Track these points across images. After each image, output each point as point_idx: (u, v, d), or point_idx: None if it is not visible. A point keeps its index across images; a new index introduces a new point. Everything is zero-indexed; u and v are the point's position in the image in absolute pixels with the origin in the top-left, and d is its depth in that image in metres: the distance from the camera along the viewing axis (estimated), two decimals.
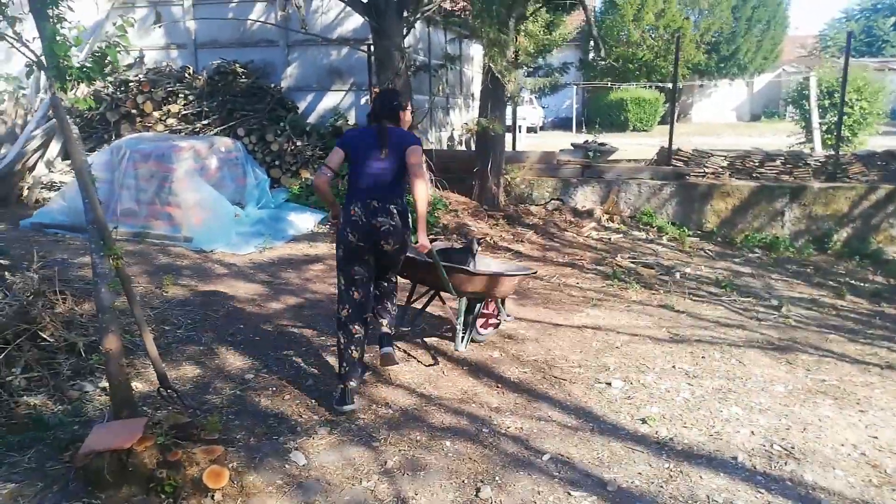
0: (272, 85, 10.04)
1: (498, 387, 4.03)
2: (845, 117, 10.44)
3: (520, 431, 3.48)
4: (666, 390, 4.05)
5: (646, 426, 3.58)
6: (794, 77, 22.53)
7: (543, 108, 25.31)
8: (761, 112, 29.79)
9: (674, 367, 4.42)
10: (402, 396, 3.84)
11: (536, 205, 8.87)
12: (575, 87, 23.64)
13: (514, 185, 8.98)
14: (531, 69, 9.14)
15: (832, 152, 9.21)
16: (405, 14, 8.14)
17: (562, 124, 26.59)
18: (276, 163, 8.97)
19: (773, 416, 3.73)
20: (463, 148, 12.18)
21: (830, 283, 6.89)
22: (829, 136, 13.36)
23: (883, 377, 4.43)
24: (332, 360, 4.19)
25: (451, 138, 12.80)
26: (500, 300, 4.55)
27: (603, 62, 25.35)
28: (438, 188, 8.44)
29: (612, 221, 8.54)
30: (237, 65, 9.94)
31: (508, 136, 10.53)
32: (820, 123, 13.92)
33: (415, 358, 4.40)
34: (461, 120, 13.62)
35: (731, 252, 7.89)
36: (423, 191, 3.58)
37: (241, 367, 4.12)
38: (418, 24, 10.78)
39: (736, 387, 4.13)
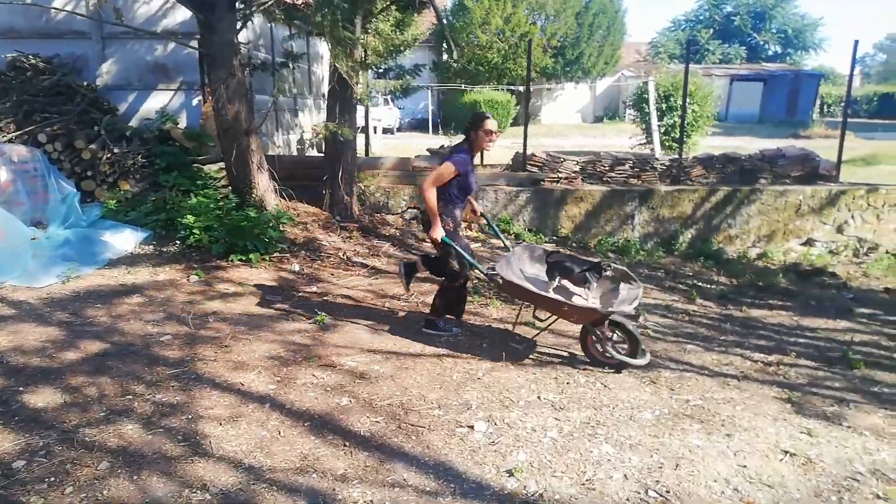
0: (84, 83, 8.69)
1: (345, 445, 3.44)
2: (680, 120, 10.93)
3: None
4: (532, 429, 3.67)
5: (513, 480, 3.17)
6: (633, 81, 23.95)
7: (400, 108, 24.99)
8: (603, 114, 31.50)
9: (539, 397, 4.07)
10: (224, 473, 3.13)
11: (393, 214, 8.36)
12: (430, 88, 23.48)
13: (368, 194, 8.40)
14: (382, 70, 8.62)
15: (672, 154, 9.54)
16: (238, 6, 7.30)
17: (419, 125, 26.42)
18: (89, 173, 7.71)
19: (644, 453, 3.47)
20: (315, 153, 11.39)
21: (681, 286, 7.00)
22: (667, 137, 14.13)
23: (741, 390, 4.37)
24: (139, 432, 3.39)
25: (301, 142, 11.97)
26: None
27: (456, 64, 25.51)
28: (284, 198, 7.66)
29: (471, 230, 8.23)
30: (38, 59, 8.50)
31: (362, 140, 9.96)
32: (658, 125, 14.70)
33: (244, 416, 3.70)
34: (312, 122, 12.81)
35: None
36: (422, 192, 4.66)
37: (8, 453, 3.20)
38: (258, 19, 9.87)
39: (604, 417, 3.85)
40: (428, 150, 9.28)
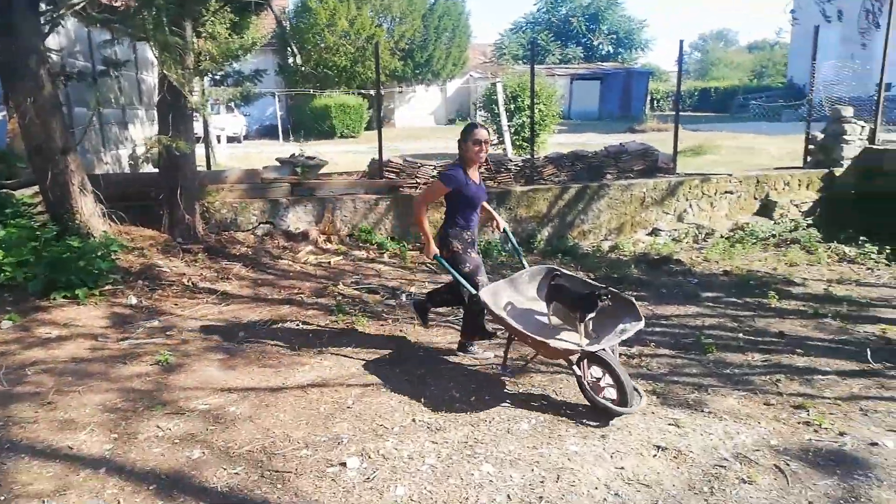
0: None
1: None
2: (529, 120, 11.25)
3: None
4: (409, 457, 3.44)
5: None
6: (481, 82, 24.54)
7: (246, 115, 23.82)
8: (456, 115, 32.07)
9: (414, 420, 3.85)
10: None
11: (243, 231, 7.79)
12: (276, 94, 22.58)
13: (213, 211, 7.75)
14: (219, 77, 8.00)
15: (523, 153, 9.75)
16: (44, 8, 6.41)
17: (267, 132, 25.34)
18: None
19: (525, 468, 3.35)
20: (152, 168, 10.41)
21: None
22: (517, 137, 14.52)
23: None
24: None
25: (133, 157, 10.90)
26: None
27: (303, 68, 24.76)
28: (115, 222, 6.85)
29: (331, 242, 7.86)
30: None
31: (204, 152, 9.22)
32: (508, 126, 15.09)
33: (73, 488, 3.14)
34: (145, 135, 11.73)
35: None
36: (414, 209, 4.55)
37: None
38: (72, 23, 8.81)
39: (482, 434, 3.70)
40: (277, 159, 8.76)
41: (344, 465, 3.36)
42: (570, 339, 3.99)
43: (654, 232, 8.70)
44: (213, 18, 8.17)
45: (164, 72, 6.28)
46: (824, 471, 3.40)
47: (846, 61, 14.73)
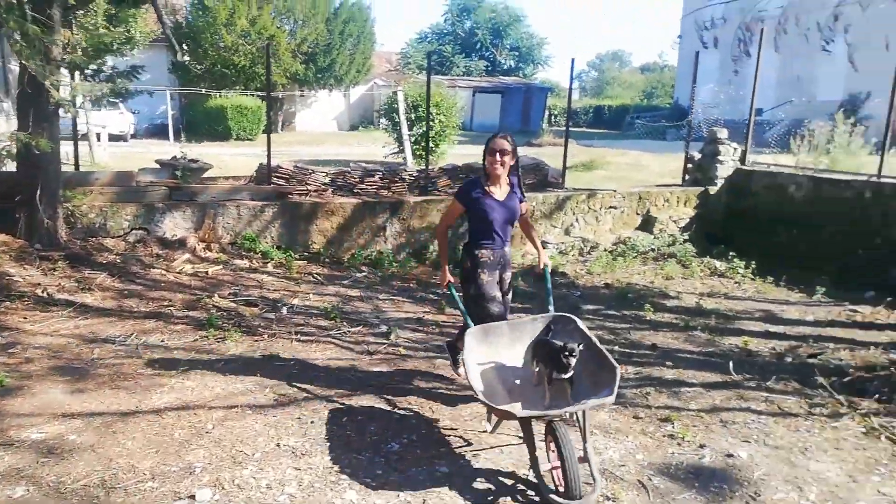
0: None
1: None
2: (425, 131, 11.23)
3: None
4: (268, 486, 3.23)
5: None
6: (385, 90, 24.43)
7: (134, 113, 22.48)
8: (359, 122, 31.76)
9: (278, 445, 3.64)
10: None
11: (113, 237, 7.23)
12: (168, 92, 21.45)
13: (80, 215, 7.14)
14: (90, 72, 7.39)
15: (423, 166, 9.69)
16: None
17: (158, 131, 23.98)
18: None
19: (390, 494, 3.23)
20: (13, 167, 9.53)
21: (432, 296, 7.04)
22: (418, 146, 14.49)
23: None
24: None
25: None
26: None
27: (200, 66, 23.71)
28: None
29: (211, 250, 7.45)
30: None
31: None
32: (409, 135, 15.04)
33: None
34: (11, 128, 10.72)
35: (339, 273, 7.56)
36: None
37: None
38: None
39: (350, 458, 3.55)
40: (157, 161, 8.23)
41: (193, 497, 3.10)
42: (540, 403, 3.36)
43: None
44: (89, 8, 7.60)
45: (23, 62, 5.72)
46: (684, 484, 3.50)
47: (724, 86, 15.78)
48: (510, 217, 4.05)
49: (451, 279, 4.06)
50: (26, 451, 3.42)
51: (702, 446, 3.91)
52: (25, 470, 3.25)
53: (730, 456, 3.80)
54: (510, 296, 4.30)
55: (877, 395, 4.64)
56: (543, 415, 3.15)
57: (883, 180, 7.87)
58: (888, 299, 6.90)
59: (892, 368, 5.11)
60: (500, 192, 4.01)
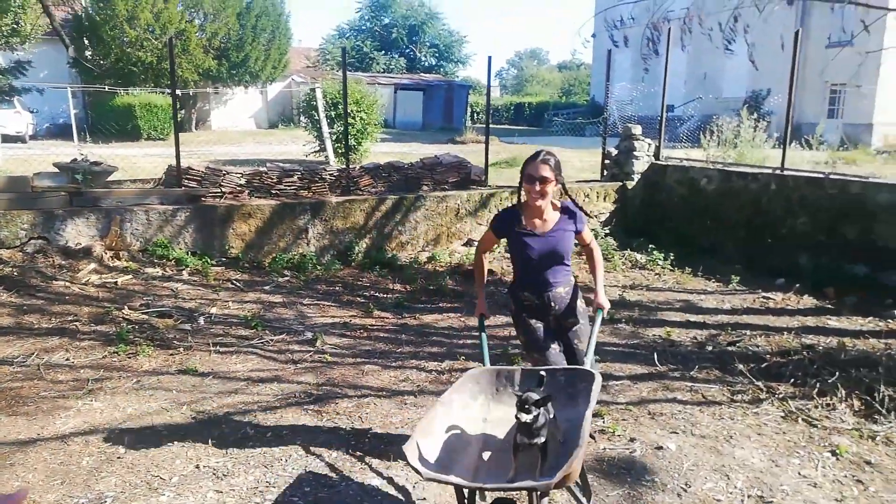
0: None
1: None
2: (350, 128, 11.01)
3: None
4: None
5: None
6: (303, 87, 23.87)
7: (32, 112, 21.05)
8: (278, 120, 30.96)
9: (198, 467, 3.41)
10: None
11: (9, 248, 6.66)
12: (69, 89, 20.13)
13: None
14: None
15: (344, 165, 9.47)
16: None
17: (61, 132, 22.51)
18: None
19: None
20: None
21: (359, 298, 6.87)
22: (339, 144, 14.20)
23: (417, 407, 4.30)
24: None
25: None
26: None
27: (104, 62, 22.43)
28: None
29: (119, 259, 6.99)
30: None
31: None
32: (330, 133, 14.73)
33: None
34: None
35: (260, 279, 7.27)
36: None
37: None
38: None
39: (274, 477, 3.37)
40: (55, 164, 7.65)
41: None
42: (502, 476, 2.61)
43: (469, 243, 8.84)
44: None
45: None
46: (616, 480, 3.52)
47: (637, 83, 16.32)
48: (557, 254, 3.32)
49: (485, 311, 3.48)
50: None
51: (632, 440, 3.96)
52: None
53: (659, 448, 3.86)
54: (581, 343, 3.46)
55: (792, 380, 4.84)
56: (469, 486, 2.42)
57: (786, 172, 8.28)
58: (797, 286, 7.27)
59: (804, 353, 5.36)
60: (541, 224, 3.32)
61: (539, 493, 2.44)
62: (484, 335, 3.37)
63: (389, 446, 3.72)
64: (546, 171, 3.17)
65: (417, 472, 2.33)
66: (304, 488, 3.26)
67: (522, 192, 3.27)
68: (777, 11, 10.89)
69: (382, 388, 4.59)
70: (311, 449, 3.66)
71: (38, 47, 7.57)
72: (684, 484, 3.49)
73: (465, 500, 2.56)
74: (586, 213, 3.47)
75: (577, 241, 3.47)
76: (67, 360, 4.74)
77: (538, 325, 3.40)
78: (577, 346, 3.46)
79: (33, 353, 4.77)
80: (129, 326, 5.38)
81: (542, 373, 2.88)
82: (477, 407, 2.96)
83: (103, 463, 3.40)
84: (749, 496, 3.38)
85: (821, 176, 8.06)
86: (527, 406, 2.55)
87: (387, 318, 6.36)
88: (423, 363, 5.14)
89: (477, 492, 2.58)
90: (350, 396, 4.42)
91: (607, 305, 3.52)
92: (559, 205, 3.38)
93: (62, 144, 18.72)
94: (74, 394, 4.17)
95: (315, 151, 15.35)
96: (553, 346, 3.39)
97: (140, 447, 3.57)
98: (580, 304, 3.49)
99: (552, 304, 3.39)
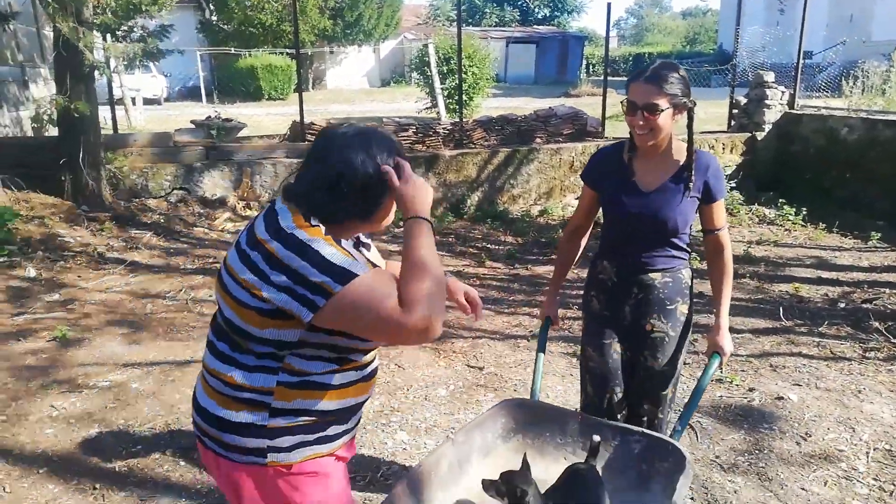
0: None
1: (96, 488, 2.82)
2: (458, 83, 11.05)
3: None
4: None
5: None
6: (415, 44, 24.07)
7: (166, 76, 22.65)
8: (390, 77, 31.46)
9: None
10: None
11: (155, 198, 7.36)
12: (198, 53, 21.48)
13: (122, 176, 7.27)
14: (121, 33, 7.41)
15: (456, 118, 9.57)
16: None
17: (190, 94, 24.16)
18: None
19: (440, 435, 3.29)
20: (54, 132, 9.75)
21: (471, 249, 7.02)
22: (451, 100, 14.30)
23: (531, 351, 4.41)
24: None
25: (37, 119, 10.13)
26: None
27: (227, 26, 23.64)
28: (11, 190, 6.33)
29: (250, 208, 7.53)
30: None
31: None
32: (441, 89, 14.84)
33: None
34: (50, 93, 10.92)
35: None
36: None
37: None
38: None
39: (398, 403, 3.61)
40: (192, 121, 8.30)
41: None
42: None
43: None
44: None
45: (56, 24, 5.77)
46: (733, 425, 3.48)
47: (771, 27, 15.09)
48: (660, 222, 2.27)
49: (554, 314, 2.56)
50: (94, 397, 3.56)
51: (751, 389, 3.87)
52: (96, 414, 3.39)
53: (780, 399, 3.75)
54: (662, 361, 2.37)
55: None
56: None
57: None
58: None
59: None
60: (649, 174, 2.30)
61: None
62: (541, 355, 2.41)
63: (502, 383, 3.87)
64: (655, 96, 2.13)
65: None
66: (424, 414, 3.48)
67: (629, 123, 2.24)
68: None
69: (496, 332, 4.73)
70: (430, 380, 3.87)
71: (170, 14, 8.10)
72: (804, 433, 3.39)
73: None
74: (712, 184, 2.29)
75: (701, 221, 2.37)
76: (210, 296, 5.23)
77: (606, 314, 2.44)
78: (650, 365, 2.38)
79: (181, 290, 5.31)
80: None
81: (596, 438, 1.94)
82: (506, 453, 2.08)
83: None
84: (876, 448, 3.25)
85: None
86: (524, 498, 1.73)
87: (499, 268, 6.47)
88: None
89: None
90: (464, 337, 4.59)
91: (729, 349, 2.36)
92: (689, 153, 2.27)
93: (193, 105, 20.15)
94: None
95: (427, 108, 15.55)
96: (616, 347, 2.42)
97: None
98: (681, 307, 2.37)
99: (634, 288, 2.37)
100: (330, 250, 1.38)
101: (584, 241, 2.57)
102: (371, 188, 1.49)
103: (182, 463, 3.02)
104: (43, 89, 10.81)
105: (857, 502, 2.85)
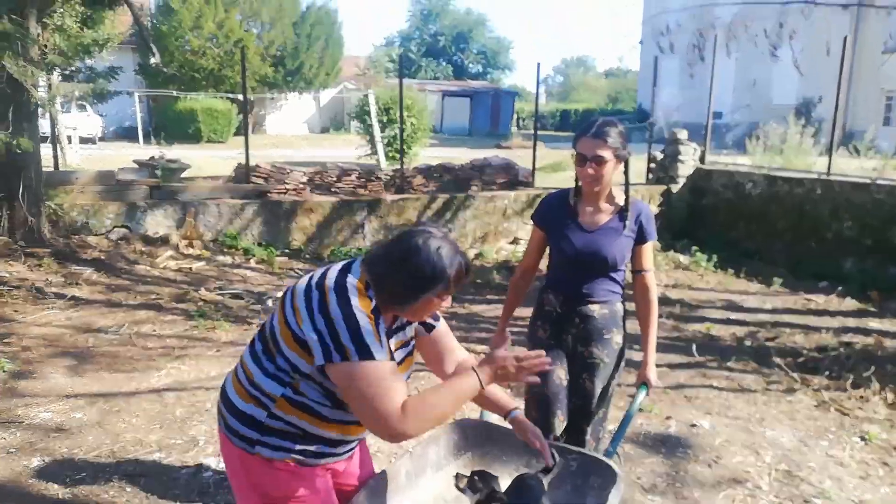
0: None
1: None
2: (399, 132, 11.48)
3: None
4: None
5: None
6: (355, 93, 24.61)
7: (101, 115, 22.27)
8: (330, 125, 31.88)
9: None
10: None
11: (96, 235, 7.33)
12: (136, 94, 21.31)
13: (62, 214, 7.23)
14: (69, 72, 7.48)
15: (397, 165, 9.95)
16: None
17: (126, 134, 23.78)
18: None
19: (383, 461, 3.49)
20: None
21: None
22: (390, 148, 14.76)
23: None
24: None
25: None
26: None
27: (165, 69, 23.57)
28: None
29: (193, 247, 7.58)
30: None
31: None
32: (381, 137, 15.29)
33: None
34: None
35: None
36: None
37: None
38: None
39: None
40: (135, 161, 8.34)
41: (200, 465, 3.32)
42: None
43: (515, 241, 9.20)
44: (62, 10, 7.67)
45: (2, 62, 5.83)
46: (652, 450, 3.82)
47: (685, 89, 16.40)
48: (600, 258, 2.58)
49: (502, 341, 2.70)
50: (37, 427, 3.58)
51: (668, 418, 4.24)
52: (38, 444, 3.42)
53: (693, 426, 4.13)
54: (598, 385, 2.65)
55: (827, 373, 5.04)
56: None
57: (832, 178, 8.39)
58: (839, 289, 7.38)
59: (841, 349, 5.54)
60: (592, 215, 2.62)
61: None
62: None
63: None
64: (603, 150, 2.43)
65: None
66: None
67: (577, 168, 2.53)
68: (828, 16, 10.91)
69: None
70: None
71: (112, 55, 8.18)
72: (715, 457, 3.76)
73: None
74: (645, 227, 2.63)
75: (632, 262, 2.69)
76: (154, 330, 5.28)
77: (550, 342, 2.67)
78: (587, 388, 2.64)
79: (124, 325, 5.33)
80: (206, 305, 5.92)
81: (555, 456, 2.05)
82: (456, 469, 2.17)
83: (194, 413, 3.88)
84: (777, 469, 3.64)
85: (867, 181, 8.14)
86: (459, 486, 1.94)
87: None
88: (472, 346, 5.52)
89: None
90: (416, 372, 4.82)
91: (655, 382, 2.69)
92: (624, 199, 2.61)
93: (129, 146, 19.84)
94: (164, 358, 4.70)
95: (367, 154, 15.92)
96: (560, 372, 2.63)
97: None
98: (616, 336, 2.68)
99: (576, 318, 2.65)
100: (368, 328, 1.58)
101: (527, 281, 2.83)
102: (419, 281, 1.65)
103: (128, 489, 3.09)
104: None
105: None
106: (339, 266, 1.72)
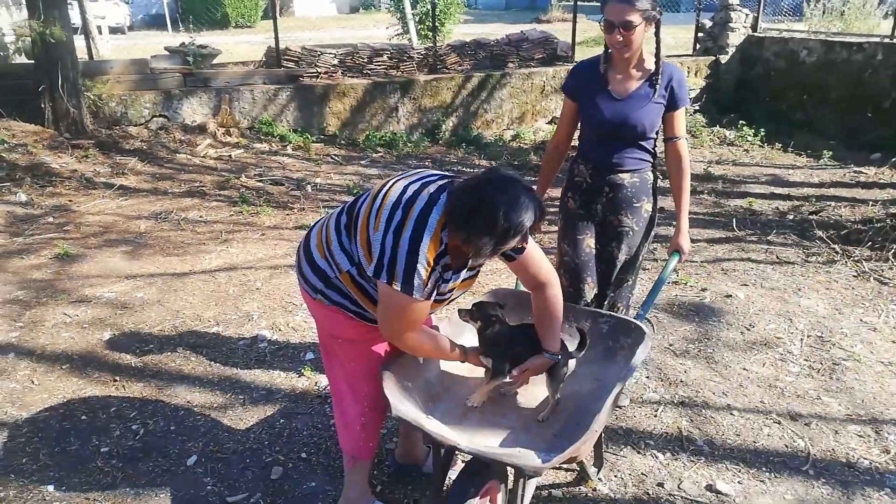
0: None
1: (115, 380, 3.15)
2: (431, 7, 10.98)
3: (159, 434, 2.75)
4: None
5: (303, 379, 3.18)
6: None
7: (127, 3, 21.88)
8: (359, 4, 30.65)
9: None
10: None
11: (136, 125, 7.43)
12: None
13: (101, 104, 7.31)
14: None
15: (429, 44, 9.63)
16: None
17: (154, 22, 23.41)
18: None
19: None
20: (22, 59, 9.58)
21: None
22: (422, 26, 14.20)
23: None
24: None
25: (2, 47, 9.92)
26: None
27: None
28: None
29: (230, 135, 7.65)
30: None
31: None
32: (413, 14, 14.67)
33: None
34: (13, 20, 10.62)
35: (356, 154, 7.79)
36: None
37: None
38: None
39: None
40: (166, 48, 8.24)
41: (255, 338, 3.55)
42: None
43: (553, 120, 8.98)
44: None
45: None
46: (685, 319, 3.92)
47: None
48: (629, 126, 2.55)
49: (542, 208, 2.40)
50: (103, 305, 3.86)
51: (703, 289, 4.31)
52: (107, 320, 3.70)
53: (728, 296, 4.19)
54: (623, 255, 2.72)
55: (870, 244, 4.97)
56: (440, 439, 1.82)
57: (895, 41, 7.82)
58: (893, 160, 7.09)
59: (887, 220, 5.42)
60: (622, 83, 2.57)
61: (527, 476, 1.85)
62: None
63: (482, 289, 4.24)
64: (630, 14, 2.39)
65: (390, 403, 1.89)
66: None
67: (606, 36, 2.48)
68: None
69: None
70: None
71: None
72: (748, 324, 3.84)
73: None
74: (676, 92, 2.58)
75: (663, 130, 2.65)
76: (201, 217, 5.48)
77: (581, 212, 2.71)
78: (616, 256, 2.71)
79: (172, 211, 5.54)
80: (248, 191, 6.06)
81: (586, 322, 2.26)
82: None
83: (245, 291, 4.10)
84: (808, 335, 3.71)
85: None
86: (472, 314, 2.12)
87: None
88: None
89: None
90: None
91: (688, 248, 2.69)
92: (657, 64, 2.55)
93: (158, 34, 19.57)
94: (213, 241, 4.90)
95: (398, 34, 15.37)
96: (589, 241, 2.70)
97: (272, 282, 4.25)
98: (646, 205, 2.69)
99: (605, 188, 2.66)
100: (422, 271, 1.72)
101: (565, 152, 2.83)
102: (499, 239, 1.73)
103: (193, 358, 3.35)
104: (6, 16, 10.52)
105: (788, 377, 3.31)
106: (433, 188, 1.80)
